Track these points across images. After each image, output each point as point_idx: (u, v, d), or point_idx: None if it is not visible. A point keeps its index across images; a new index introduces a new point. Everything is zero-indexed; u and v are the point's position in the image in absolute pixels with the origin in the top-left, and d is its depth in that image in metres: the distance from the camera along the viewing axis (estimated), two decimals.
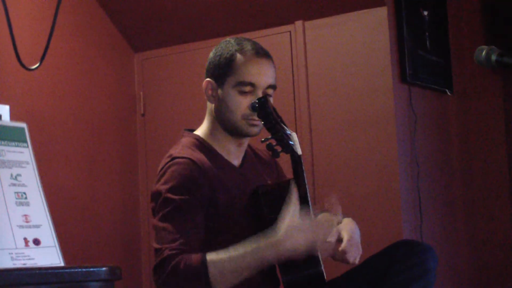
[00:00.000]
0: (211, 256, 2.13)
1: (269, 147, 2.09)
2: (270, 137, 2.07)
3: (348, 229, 2.34)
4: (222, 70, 2.38)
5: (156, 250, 2.20)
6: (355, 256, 2.32)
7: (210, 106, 2.44)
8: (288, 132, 2.05)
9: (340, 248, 2.28)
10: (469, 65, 4.00)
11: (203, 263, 2.12)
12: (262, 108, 2.02)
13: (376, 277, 2.33)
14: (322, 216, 2.21)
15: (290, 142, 2.04)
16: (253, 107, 2.04)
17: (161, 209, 2.25)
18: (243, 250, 2.13)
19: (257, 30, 3.71)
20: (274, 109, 2.06)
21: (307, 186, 2.37)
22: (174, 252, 2.15)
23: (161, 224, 2.23)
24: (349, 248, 2.29)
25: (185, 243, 2.17)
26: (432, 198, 3.80)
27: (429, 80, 3.80)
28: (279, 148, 2.07)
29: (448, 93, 3.99)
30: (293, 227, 2.08)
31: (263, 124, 2.05)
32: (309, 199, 2.35)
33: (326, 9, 3.60)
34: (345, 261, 2.30)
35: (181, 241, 2.17)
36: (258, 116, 2.04)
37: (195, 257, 2.13)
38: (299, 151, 2.07)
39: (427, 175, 3.74)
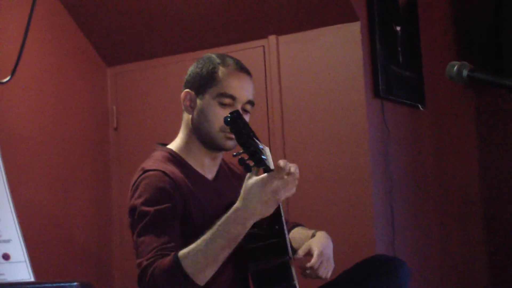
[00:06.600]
0: (182, 251, 2.14)
1: (241, 161, 2.08)
2: (242, 151, 2.06)
3: (319, 243, 2.34)
4: (204, 81, 2.40)
5: (137, 265, 2.21)
6: (327, 271, 2.31)
7: (187, 117, 2.44)
8: (261, 146, 2.05)
9: (308, 264, 2.27)
10: (442, 80, 4.03)
11: (175, 260, 2.13)
12: (234, 122, 2.02)
13: None
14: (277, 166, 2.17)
15: (263, 157, 2.04)
16: (225, 121, 2.04)
17: (138, 224, 2.26)
18: (210, 233, 2.13)
19: (231, 44, 3.71)
20: (247, 124, 2.06)
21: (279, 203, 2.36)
22: (150, 260, 2.16)
23: (139, 239, 2.24)
24: (319, 263, 2.29)
25: (161, 248, 2.18)
26: (405, 213, 3.81)
27: (402, 95, 3.82)
28: (251, 163, 2.07)
29: (421, 108, 4.01)
30: (249, 191, 2.09)
31: (235, 138, 2.05)
32: (282, 212, 2.35)
33: (299, 23, 3.61)
34: (315, 276, 2.29)
35: (157, 248, 2.18)
36: (231, 131, 2.05)
37: (168, 258, 2.14)
38: (272, 166, 2.07)
39: (400, 190, 3.76)
